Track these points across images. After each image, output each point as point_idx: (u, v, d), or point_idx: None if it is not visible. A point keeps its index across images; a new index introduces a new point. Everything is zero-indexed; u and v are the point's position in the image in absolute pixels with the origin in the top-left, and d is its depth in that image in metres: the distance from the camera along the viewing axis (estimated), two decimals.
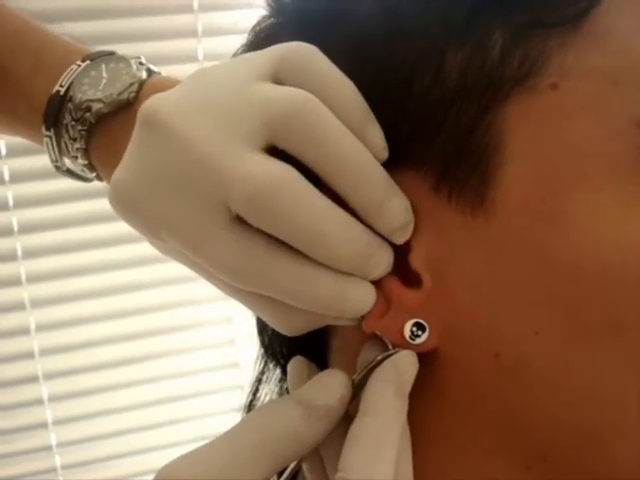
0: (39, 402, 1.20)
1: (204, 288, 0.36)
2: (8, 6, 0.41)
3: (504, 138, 0.27)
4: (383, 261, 0.28)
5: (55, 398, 1.21)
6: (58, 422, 1.21)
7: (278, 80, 0.28)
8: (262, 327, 0.37)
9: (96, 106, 0.36)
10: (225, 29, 1.16)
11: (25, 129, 0.40)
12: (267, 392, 0.38)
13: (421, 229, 0.28)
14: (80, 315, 1.19)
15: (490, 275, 0.27)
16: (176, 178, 0.27)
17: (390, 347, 0.29)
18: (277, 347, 0.37)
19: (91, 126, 0.37)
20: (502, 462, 0.29)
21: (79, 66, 0.37)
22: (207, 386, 1.27)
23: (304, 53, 0.28)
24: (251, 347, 0.40)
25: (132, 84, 0.36)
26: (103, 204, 0.33)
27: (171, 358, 1.24)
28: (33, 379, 1.19)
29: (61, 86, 0.37)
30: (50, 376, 1.20)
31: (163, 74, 0.39)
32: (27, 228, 1.15)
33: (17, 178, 1.13)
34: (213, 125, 0.27)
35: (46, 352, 1.19)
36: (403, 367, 0.28)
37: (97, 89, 0.36)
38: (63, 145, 0.38)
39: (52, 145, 0.38)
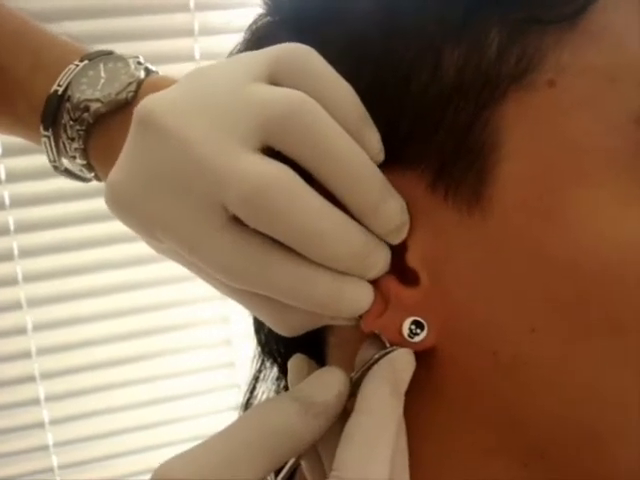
0: (36, 402, 1.20)
1: (200, 287, 0.36)
2: (7, 6, 0.41)
3: (501, 135, 0.27)
4: (380, 260, 0.28)
5: (52, 398, 1.20)
6: (55, 422, 1.21)
7: (274, 81, 0.28)
8: (259, 326, 0.37)
9: (94, 106, 0.36)
10: (222, 28, 1.16)
11: (24, 129, 0.40)
12: (264, 390, 0.38)
13: (418, 227, 0.28)
14: (76, 315, 1.18)
15: (487, 273, 0.27)
16: (172, 178, 0.27)
17: (388, 345, 0.29)
18: (274, 345, 0.36)
19: (89, 126, 0.36)
20: (499, 460, 0.29)
21: (77, 66, 0.37)
22: (203, 386, 1.27)
23: (300, 54, 0.28)
24: (247, 347, 0.40)
25: (130, 84, 0.36)
26: (99, 203, 0.33)
27: (168, 358, 1.24)
28: (30, 379, 1.19)
29: (59, 86, 0.37)
30: (47, 376, 1.19)
31: (161, 73, 0.39)
32: (23, 227, 1.15)
33: (13, 177, 1.13)
34: (209, 125, 0.27)
35: (43, 352, 1.18)
36: (399, 365, 0.28)
37: (95, 89, 0.36)
38: (61, 145, 0.38)
39: (50, 145, 0.38)
